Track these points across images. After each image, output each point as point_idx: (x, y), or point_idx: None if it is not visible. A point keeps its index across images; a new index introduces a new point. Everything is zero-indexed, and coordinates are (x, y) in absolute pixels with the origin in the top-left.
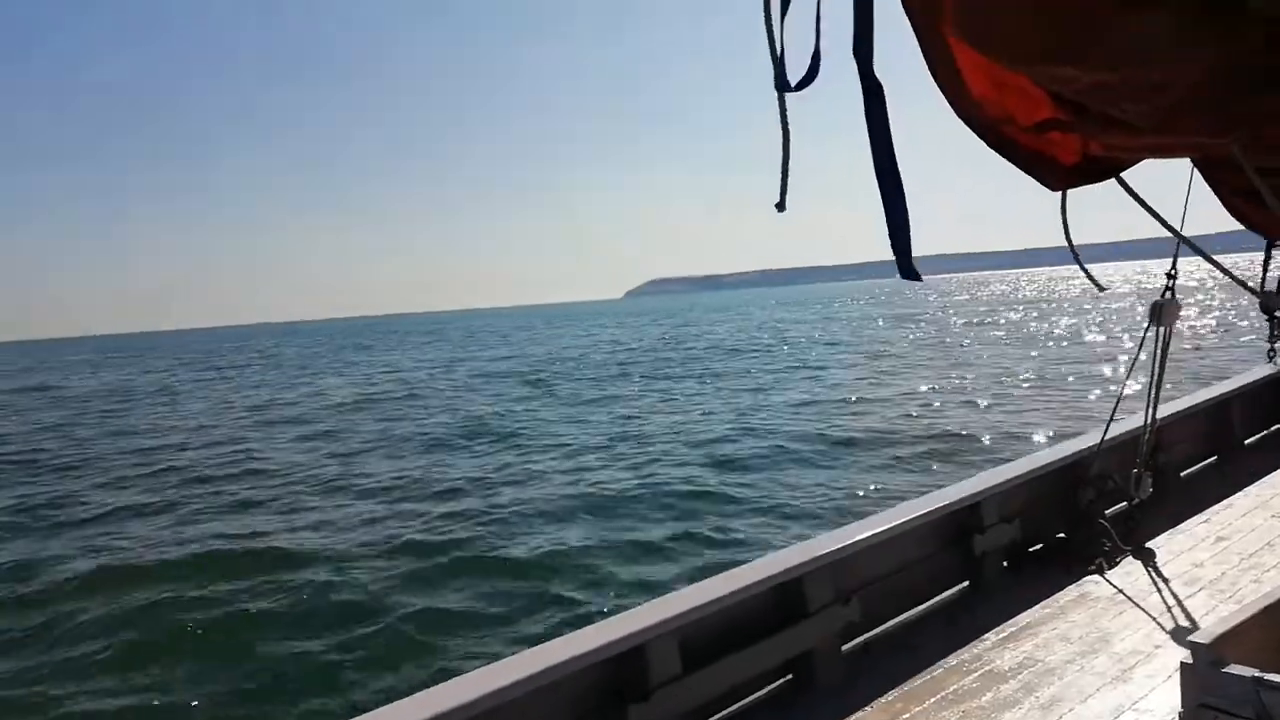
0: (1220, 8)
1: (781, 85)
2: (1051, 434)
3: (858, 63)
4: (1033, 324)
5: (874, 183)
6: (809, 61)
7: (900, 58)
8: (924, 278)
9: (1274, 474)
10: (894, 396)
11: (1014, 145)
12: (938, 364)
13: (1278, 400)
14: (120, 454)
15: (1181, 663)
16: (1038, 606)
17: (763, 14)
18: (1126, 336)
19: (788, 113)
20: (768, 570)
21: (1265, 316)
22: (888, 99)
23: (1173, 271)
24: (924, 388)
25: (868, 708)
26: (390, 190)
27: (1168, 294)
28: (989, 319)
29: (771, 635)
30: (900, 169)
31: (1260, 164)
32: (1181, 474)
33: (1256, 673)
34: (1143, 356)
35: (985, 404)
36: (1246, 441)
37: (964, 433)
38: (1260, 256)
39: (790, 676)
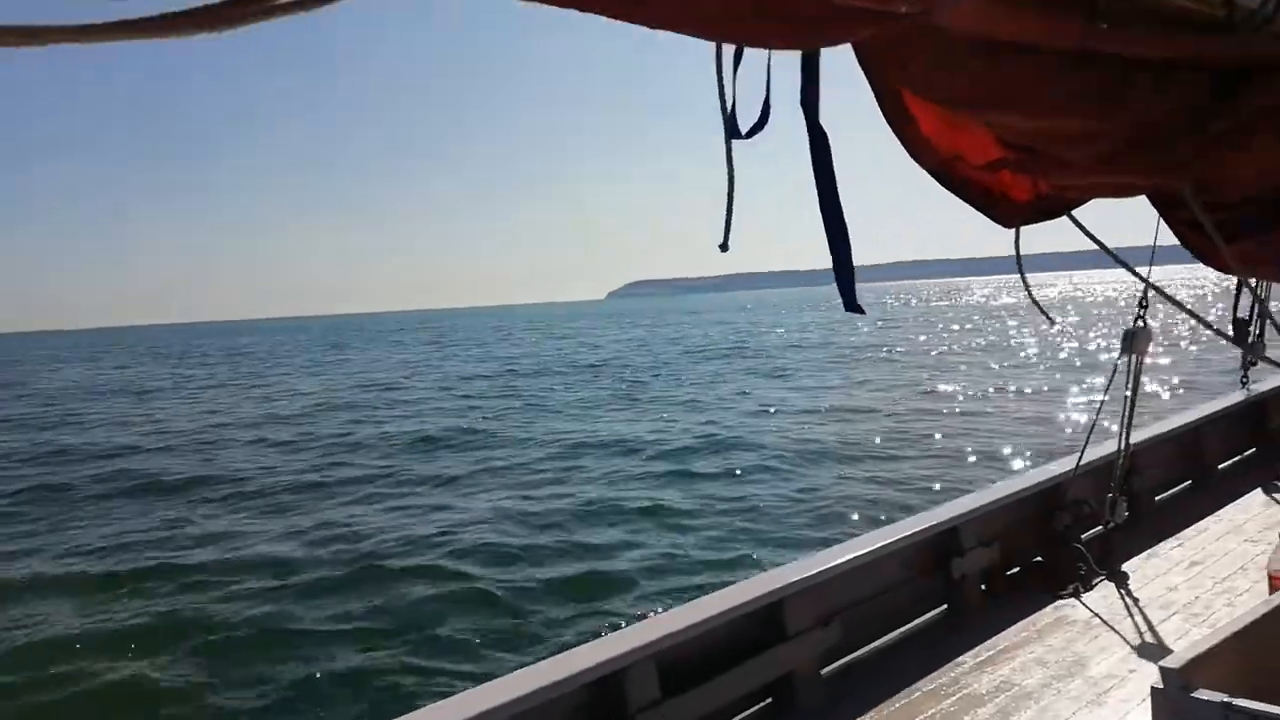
0: (1147, 67)
1: (732, 133)
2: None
3: (805, 112)
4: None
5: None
6: (759, 110)
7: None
8: (890, 282)
9: (1246, 498)
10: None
11: (967, 183)
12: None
13: (1250, 426)
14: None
15: (1152, 688)
16: (1014, 629)
17: (714, 69)
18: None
19: (734, 160)
20: (748, 593)
21: (1237, 345)
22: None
23: (1144, 301)
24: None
25: None
26: (390, 190)
27: (1139, 323)
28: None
29: (752, 658)
30: (845, 214)
31: (1208, 200)
32: (1156, 498)
33: (1225, 698)
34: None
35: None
36: (1220, 467)
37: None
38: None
39: (770, 700)
